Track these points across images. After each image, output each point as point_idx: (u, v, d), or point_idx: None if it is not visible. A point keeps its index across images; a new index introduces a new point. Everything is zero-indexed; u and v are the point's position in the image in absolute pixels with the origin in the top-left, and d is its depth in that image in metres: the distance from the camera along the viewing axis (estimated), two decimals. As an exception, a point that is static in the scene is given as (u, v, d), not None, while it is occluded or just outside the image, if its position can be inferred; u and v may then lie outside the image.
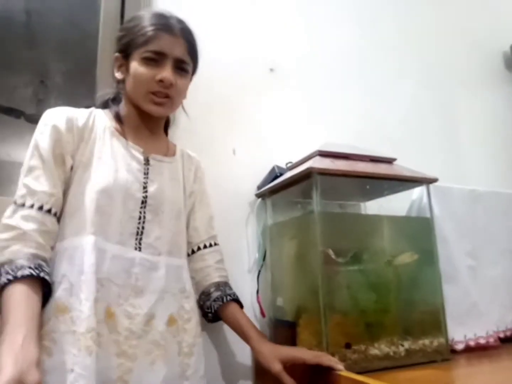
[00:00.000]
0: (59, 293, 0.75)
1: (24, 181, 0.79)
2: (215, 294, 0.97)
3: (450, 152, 1.65)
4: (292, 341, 1.09)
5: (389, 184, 1.10)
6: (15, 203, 0.77)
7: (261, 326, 1.22)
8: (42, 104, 1.17)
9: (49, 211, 0.78)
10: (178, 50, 0.88)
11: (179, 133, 1.26)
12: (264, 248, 1.24)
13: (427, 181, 1.12)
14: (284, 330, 1.13)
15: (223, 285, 1.00)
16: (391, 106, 1.60)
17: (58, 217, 0.81)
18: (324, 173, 0.98)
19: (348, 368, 0.90)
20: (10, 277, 0.70)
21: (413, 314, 1.08)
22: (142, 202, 0.85)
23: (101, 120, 0.89)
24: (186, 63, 0.91)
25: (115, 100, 0.95)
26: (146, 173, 0.89)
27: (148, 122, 0.94)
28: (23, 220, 0.74)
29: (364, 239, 1.05)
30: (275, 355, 0.90)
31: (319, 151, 1.06)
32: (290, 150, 1.30)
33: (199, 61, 0.98)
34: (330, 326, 0.96)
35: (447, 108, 1.72)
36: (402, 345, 1.01)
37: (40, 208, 0.77)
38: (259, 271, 1.24)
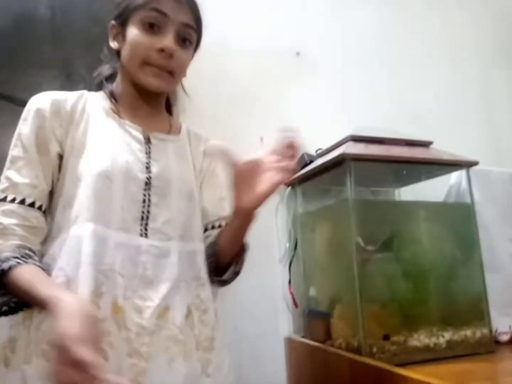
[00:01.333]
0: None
1: (6, 174, 0.71)
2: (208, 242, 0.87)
3: (488, 133, 1.57)
4: (326, 332, 1.06)
5: (426, 168, 1.05)
6: None
7: (294, 317, 1.21)
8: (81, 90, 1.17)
9: (32, 204, 0.70)
10: (182, 14, 0.77)
11: (204, 122, 1.24)
12: (295, 237, 1.22)
13: (467, 165, 1.06)
14: (318, 321, 1.11)
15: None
16: (424, 87, 1.53)
17: (45, 211, 0.73)
18: (358, 158, 0.94)
19: (387, 360, 0.87)
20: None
21: (453, 304, 1.03)
22: (146, 184, 0.76)
23: (94, 101, 0.80)
24: (192, 29, 0.79)
25: (111, 78, 0.85)
26: (148, 153, 0.79)
27: (146, 98, 0.82)
28: (3, 216, 0.68)
29: (401, 227, 1.01)
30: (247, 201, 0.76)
31: (352, 136, 1.02)
32: (320, 137, 1.26)
33: (202, 35, 0.86)
34: (366, 316, 0.93)
35: (483, 87, 1.64)
36: (443, 336, 0.97)
37: (22, 202, 0.69)
38: (291, 261, 1.21)
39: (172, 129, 0.88)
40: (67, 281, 0.66)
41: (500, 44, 1.72)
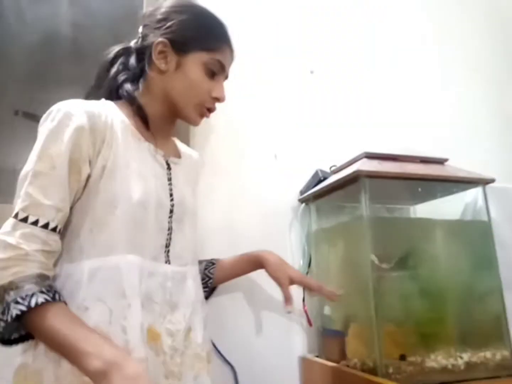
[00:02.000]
0: (95, 320, 0.63)
1: (27, 190, 0.64)
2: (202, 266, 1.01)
3: (504, 150, 1.55)
4: (341, 351, 1.05)
5: (441, 186, 1.04)
6: (16, 216, 0.63)
7: (309, 336, 1.19)
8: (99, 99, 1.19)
9: (54, 229, 0.65)
10: (230, 67, 0.85)
11: (217, 139, 1.26)
12: (309, 254, 1.21)
13: (483, 182, 1.05)
14: (332, 340, 1.09)
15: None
16: (439, 104, 1.53)
17: (62, 233, 0.69)
18: (372, 176, 0.94)
19: (404, 381, 0.85)
20: (23, 308, 0.57)
21: (471, 323, 1.01)
22: (170, 211, 0.77)
23: (117, 116, 0.74)
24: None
25: (134, 90, 0.80)
26: (169, 179, 0.80)
27: (171, 124, 0.85)
28: (24, 240, 0.62)
29: (417, 244, 1.00)
30: (285, 272, 1.00)
31: (366, 152, 1.02)
32: (334, 153, 1.27)
33: None
34: (382, 336, 0.91)
35: (498, 103, 1.62)
36: (461, 357, 0.95)
37: (45, 226, 0.64)
38: (305, 279, 1.20)
39: (177, 152, 0.89)
40: (110, 314, 0.64)
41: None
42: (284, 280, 0.98)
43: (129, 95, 0.78)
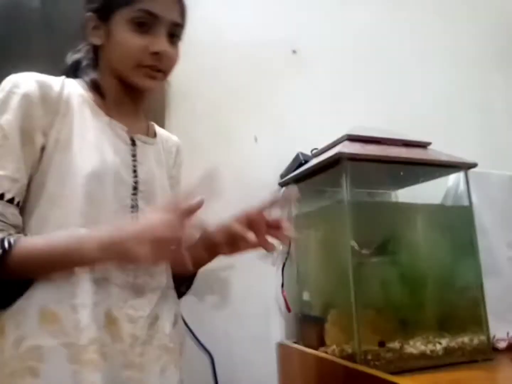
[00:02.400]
0: (43, 298, 0.62)
1: None
2: None
3: (486, 135, 1.55)
4: (320, 338, 1.03)
5: (424, 169, 1.02)
6: None
7: (287, 321, 1.17)
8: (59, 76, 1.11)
9: (11, 200, 0.63)
10: (173, 12, 0.73)
11: (195, 120, 1.21)
12: (289, 239, 1.18)
13: (466, 167, 1.04)
14: (311, 326, 1.07)
15: None
16: (422, 87, 1.51)
17: (21, 206, 0.66)
18: (354, 158, 0.91)
19: (382, 368, 0.84)
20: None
21: (450, 309, 1.00)
22: (134, 188, 0.72)
23: (75, 90, 0.72)
24: (182, 27, 0.77)
25: (88, 67, 0.77)
26: (134, 155, 0.75)
27: (133, 96, 0.79)
28: None
29: (398, 229, 0.98)
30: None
31: (348, 135, 0.99)
32: (315, 136, 1.23)
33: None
34: (361, 322, 0.90)
35: (482, 89, 1.62)
36: (440, 343, 0.94)
37: (1, 197, 0.62)
38: (284, 264, 1.18)
39: (150, 132, 0.84)
40: (58, 291, 0.62)
41: (499, 46, 1.70)
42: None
43: (83, 71, 0.76)
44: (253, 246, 0.73)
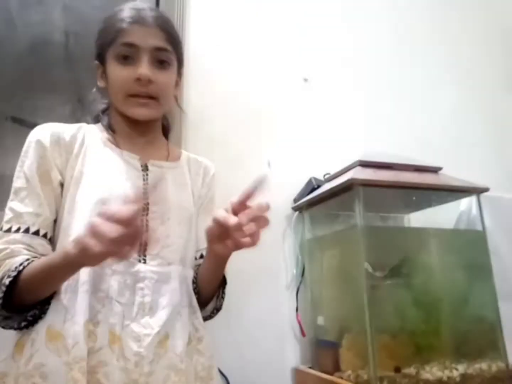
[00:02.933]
0: (50, 317, 0.66)
1: (9, 205, 0.71)
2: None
3: (497, 159, 1.55)
4: (335, 363, 1.03)
5: (436, 194, 1.04)
6: (1, 229, 0.69)
7: (302, 346, 1.17)
8: (80, 123, 1.18)
9: (36, 232, 0.69)
10: (153, 39, 0.76)
11: (211, 146, 1.25)
12: (303, 263, 1.20)
13: (478, 191, 1.05)
14: (326, 351, 1.07)
15: None
16: (433, 112, 1.53)
17: (51, 238, 0.72)
18: (366, 184, 0.93)
19: (399, 394, 0.84)
20: (14, 273, 0.62)
21: (466, 334, 1.00)
22: (144, 210, 0.74)
23: (92, 133, 0.81)
24: (167, 51, 0.78)
25: (106, 111, 0.86)
26: (145, 179, 0.79)
27: (139, 128, 0.82)
28: (8, 244, 0.67)
29: (411, 253, 0.99)
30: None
31: (360, 161, 1.01)
32: (327, 162, 1.26)
33: (183, 51, 0.86)
34: (376, 347, 0.90)
35: (492, 112, 1.63)
36: (457, 369, 0.93)
37: (26, 230, 0.69)
38: (298, 288, 1.19)
39: (171, 156, 0.87)
40: (64, 311, 0.66)
41: (509, 68, 1.72)
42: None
43: (95, 117, 0.85)
44: (241, 234, 0.67)
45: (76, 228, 0.69)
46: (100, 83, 0.81)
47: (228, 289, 1.11)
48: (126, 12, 0.77)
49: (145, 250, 0.73)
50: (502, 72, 1.72)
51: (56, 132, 0.76)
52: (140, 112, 0.77)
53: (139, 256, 0.72)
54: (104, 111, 0.85)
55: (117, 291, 0.68)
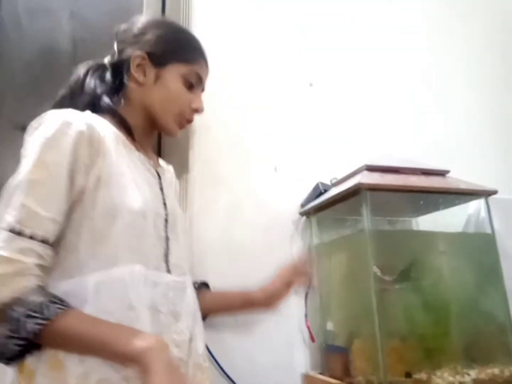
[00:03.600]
0: None
1: (22, 200, 0.60)
2: None
3: (505, 161, 1.54)
4: (345, 368, 1.02)
5: (444, 198, 1.03)
6: (11, 230, 0.59)
7: (311, 351, 1.16)
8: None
9: (50, 242, 0.62)
10: (206, 81, 0.86)
11: (217, 151, 1.25)
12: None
13: (486, 194, 1.04)
14: (336, 356, 1.06)
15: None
16: (439, 115, 1.52)
17: (59, 244, 0.65)
18: (374, 188, 0.93)
19: (410, 399, 0.83)
20: (42, 321, 0.56)
21: (478, 338, 0.99)
22: (165, 220, 0.76)
23: (106, 127, 0.74)
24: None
25: (115, 103, 0.80)
26: (161, 188, 0.80)
27: (153, 134, 0.87)
28: (22, 254, 0.59)
29: (420, 257, 0.98)
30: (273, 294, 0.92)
31: (367, 165, 1.01)
32: (334, 166, 1.26)
33: None
34: (386, 352, 0.89)
35: (500, 113, 1.62)
36: (469, 374, 0.92)
37: (43, 240, 0.61)
38: (307, 294, 1.18)
39: (159, 163, 0.89)
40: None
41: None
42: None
43: (110, 107, 0.77)
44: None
45: (116, 237, 0.66)
46: (138, 76, 0.78)
47: None
48: (198, 42, 0.84)
49: (167, 260, 0.75)
50: (507, 74, 1.70)
51: (91, 128, 0.68)
52: (177, 131, 0.83)
53: (166, 266, 0.74)
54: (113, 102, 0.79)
55: (159, 301, 0.69)
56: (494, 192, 1.04)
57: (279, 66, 1.39)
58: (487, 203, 1.04)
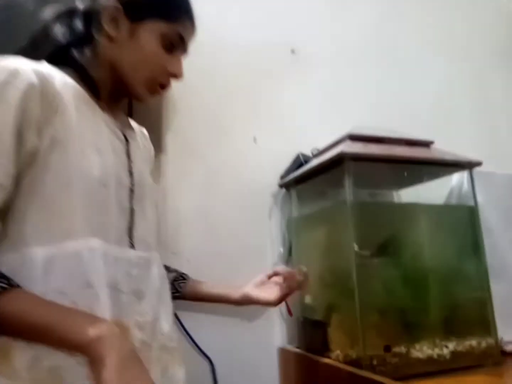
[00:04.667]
0: None
1: None
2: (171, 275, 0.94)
3: (487, 135, 1.52)
4: (323, 342, 1.00)
5: (428, 169, 1.00)
6: None
7: (289, 325, 1.14)
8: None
9: None
10: (190, 44, 0.77)
11: (193, 119, 1.19)
12: (290, 242, 1.16)
13: (471, 165, 1.01)
14: (313, 331, 1.04)
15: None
16: (423, 86, 1.48)
17: (5, 212, 0.58)
18: (357, 158, 0.89)
19: (388, 373, 0.81)
20: None
21: (457, 312, 0.98)
22: (131, 191, 0.69)
23: (65, 81, 0.64)
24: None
25: (85, 57, 0.70)
26: (128, 154, 0.71)
27: (122, 96, 0.76)
28: None
29: (402, 230, 0.96)
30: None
31: (350, 134, 0.97)
32: (315, 137, 1.20)
33: None
34: (365, 326, 0.87)
35: (480, 86, 1.59)
36: (447, 347, 0.92)
37: None
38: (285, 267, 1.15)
39: (131, 126, 0.80)
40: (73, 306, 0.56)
41: (500, 41, 1.68)
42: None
43: (75, 60, 0.68)
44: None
45: (74, 208, 0.59)
46: (112, 32, 0.68)
47: (213, 268, 1.08)
48: (189, 5, 0.74)
49: (131, 235, 0.68)
50: (493, 47, 1.67)
51: (43, 77, 0.59)
52: (148, 97, 0.74)
53: (129, 240, 0.67)
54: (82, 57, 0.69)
55: (120, 279, 0.62)
56: (479, 164, 1.01)
57: (258, 31, 1.30)
58: (471, 174, 1.01)
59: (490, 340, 0.95)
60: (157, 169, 1.13)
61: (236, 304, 0.96)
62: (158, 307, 0.69)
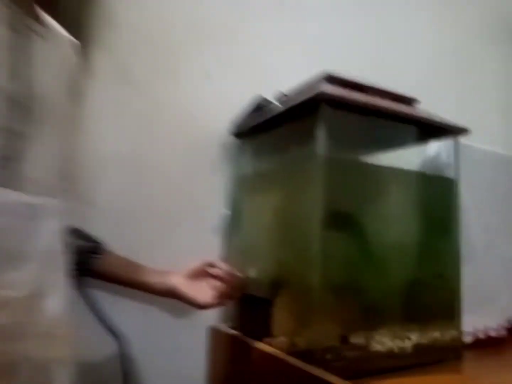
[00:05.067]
0: None
1: None
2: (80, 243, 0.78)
3: (471, 108, 1.41)
4: (265, 323, 0.84)
5: (413, 131, 0.84)
6: None
7: (226, 301, 0.96)
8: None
9: None
10: None
11: (131, 37, 0.94)
12: (237, 202, 0.96)
13: (458, 131, 0.87)
14: (255, 309, 0.87)
15: None
16: (406, 42, 1.32)
17: None
18: (337, 103, 0.70)
19: (344, 371, 0.66)
20: None
21: (422, 296, 0.85)
22: (13, 101, 0.54)
23: None
24: None
25: None
26: (24, 53, 0.58)
27: None
28: None
29: (372, 198, 0.80)
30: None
31: (327, 73, 0.77)
32: (282, 79, 1.00)
33: None
34: (319, 309, 0.71)
35: (468, 59, 1.47)
36: (409, 339, 0.79)
37: None
38: (227, 232, 0.96)
39: (43, 21, 0.59)
40: None
41: (486, 12, 1.56)
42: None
43: None
44: None
45: None
46: None
47: (139, 229, 0.88)
48: None
49: (7, 167, 0.49)
50: (486, 18, 1.55)
51: None
52: None
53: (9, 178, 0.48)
54: None
55: None
56: (466, 131, 0.87)
57: None
58: (456, 143, 0.87)
59: (454, 332, 0.83)
60: (79, 96, 0.87)
61: (159, 296, 0.80)
62: (46, 278, 0.52)
